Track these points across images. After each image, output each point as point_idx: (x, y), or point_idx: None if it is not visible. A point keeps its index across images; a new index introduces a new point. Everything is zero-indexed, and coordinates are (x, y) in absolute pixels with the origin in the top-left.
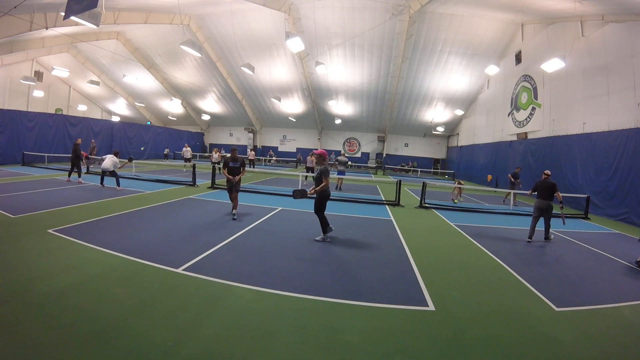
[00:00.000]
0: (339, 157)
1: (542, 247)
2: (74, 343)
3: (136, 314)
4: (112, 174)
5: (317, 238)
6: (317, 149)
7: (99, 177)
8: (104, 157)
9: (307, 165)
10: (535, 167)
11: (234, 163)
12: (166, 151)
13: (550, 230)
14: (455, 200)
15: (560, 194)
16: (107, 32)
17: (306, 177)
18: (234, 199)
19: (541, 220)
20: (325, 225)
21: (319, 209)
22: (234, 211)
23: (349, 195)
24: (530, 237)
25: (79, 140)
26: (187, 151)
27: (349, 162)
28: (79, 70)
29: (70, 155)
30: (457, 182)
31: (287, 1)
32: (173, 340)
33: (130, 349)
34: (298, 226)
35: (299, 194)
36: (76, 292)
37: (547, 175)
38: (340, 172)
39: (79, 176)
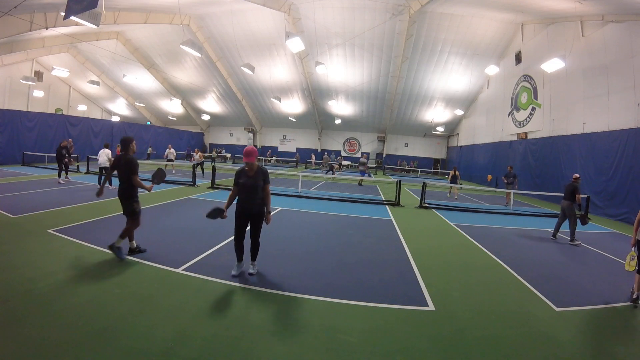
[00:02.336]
0: (361, 159)
1: (543, 247)
2: (74, 342)
3: (136, 313)
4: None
5: (251, 271)
6: (329, 151)
7: (97, 177)
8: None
9: (324, 163)
10: (535, 167)
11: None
12: (149, 150)
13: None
14: (451, 196)
15: (580, 197)
16: (107, 32)
17: (333, 178)
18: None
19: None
20: (257, 253)
21: (259, 229)
22: (133, 243)
23: (349, 195)
24: (554, 235)
25: (64, 142)
26: (170, 152)
27: (367, 163)
28: (79, 70)
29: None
30: (451, 175)
31: (287, 1)
32: (173, 340)
33: (130, 349)
34: (298, 226)
35: (214, 214)
36: (76, 292)
37: (574, 179)
38: (362, 172)
39: (59, 176)
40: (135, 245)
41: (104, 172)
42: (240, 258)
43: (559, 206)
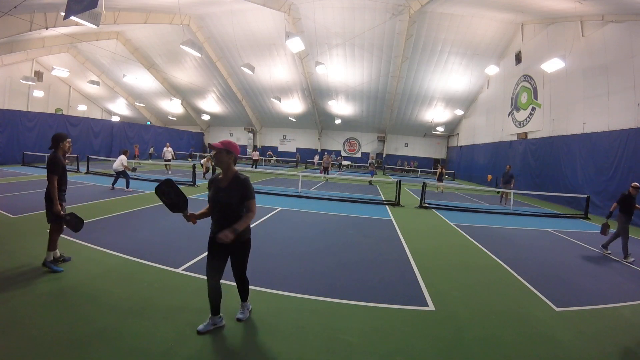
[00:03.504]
0: (370, 160)
1: (543, 247)
2: (74, 343)
3: (136, 314)
4: (124, 174)
5: (240, 316)
6: (324, 151)
7: (104, 177)
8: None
9: (324, 165)
10: (535, 167)
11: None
12: (151, 150)
13: (625, 249)
14: (439, 190)
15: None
16: (107, 32)
17: (326, 178)
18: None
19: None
20: (247, 290)
21: (244, 264)
22: (58, 254)
23: (349, 195)
24: (604, 246)
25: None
26: (167, 151)
27: (374, 164)
28: (79, 70)
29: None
30: (438, 172)
31: (287, 1)
32: (173, 340)
33: (131, 349)
34: (298, 226)
35: (176, 205)
36: (76, 292)
37: (632, 187)
38: (372, 172)
39: None
40: (59, 254)
41: (120, 175)
42: (215, 310)
43: (558, 206)
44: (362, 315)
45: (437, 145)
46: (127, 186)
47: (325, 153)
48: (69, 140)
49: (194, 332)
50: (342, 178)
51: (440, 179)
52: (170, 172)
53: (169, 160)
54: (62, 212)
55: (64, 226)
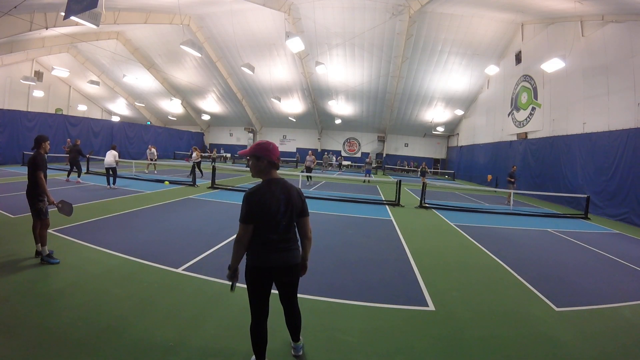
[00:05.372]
0: (367, 160)
1: (543, 247)
2: (74, 343)
3: (136, 314)
4: (114, 171)
5: None
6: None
7: (104, 177)
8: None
9: (306, 164)
10: (535, 167)
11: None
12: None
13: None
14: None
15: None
16: (107, 32)
17: (309, 177)
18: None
19: None
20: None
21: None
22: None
23: (349, 195)
24: None
25: (78, 141)
26: (151, 153)
27: (373, 164)
28: (79, 70)
29: (68, 155)
30: (420, 169)
31: (287, 1)
32: (173, 340)
33: (131, 349)
34: None
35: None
36: (76, 292)
37: None
38: (368, 171)
39: (79, 176)
40: (47, 251)
41: (110, 172)
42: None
43: (558, 206)
44: (362, 315)
45: (437, 145)
46: (114, 183)
47: (325, 153)
48: (49, 141)
49: (194, 332)
50: (342, 178)
51: (422, 175)
52: (156, 172)
53: (153, 160)
54: (54, 202)
55: (59, 213)
